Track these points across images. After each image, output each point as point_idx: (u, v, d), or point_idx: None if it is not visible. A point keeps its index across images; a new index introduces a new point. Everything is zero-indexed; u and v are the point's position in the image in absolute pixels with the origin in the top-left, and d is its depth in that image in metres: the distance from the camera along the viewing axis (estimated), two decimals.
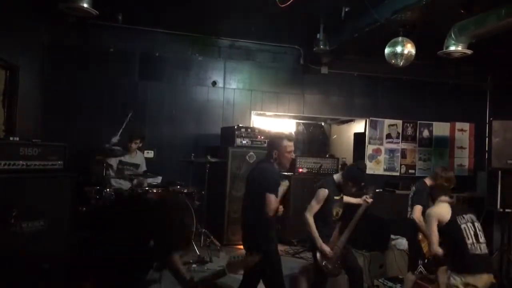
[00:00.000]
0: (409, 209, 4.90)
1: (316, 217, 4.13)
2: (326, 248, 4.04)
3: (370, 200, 4.46)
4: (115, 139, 5.44)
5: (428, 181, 4.84)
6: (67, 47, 6.26)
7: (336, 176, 4.34)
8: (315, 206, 4.15)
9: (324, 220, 4.18)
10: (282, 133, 3.87)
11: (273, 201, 3.47)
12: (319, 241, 4.06)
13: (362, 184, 4.44)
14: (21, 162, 3.76)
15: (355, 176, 4.23)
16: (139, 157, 5.86)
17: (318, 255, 4.09)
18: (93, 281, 2.21)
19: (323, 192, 4.15)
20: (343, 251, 4.17)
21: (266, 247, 3.53)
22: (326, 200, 4.15)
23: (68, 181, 4.14)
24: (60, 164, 4.11)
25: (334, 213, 4.25)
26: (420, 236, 4.61)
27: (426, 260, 4.62)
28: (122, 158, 5.59)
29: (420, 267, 4.67)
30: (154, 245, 2.38)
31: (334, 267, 4.10)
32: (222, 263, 4.90)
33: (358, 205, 4.48)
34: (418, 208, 4.61)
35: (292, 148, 3.71)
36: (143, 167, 5.83)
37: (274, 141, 3.72)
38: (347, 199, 4.51)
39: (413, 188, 4.97)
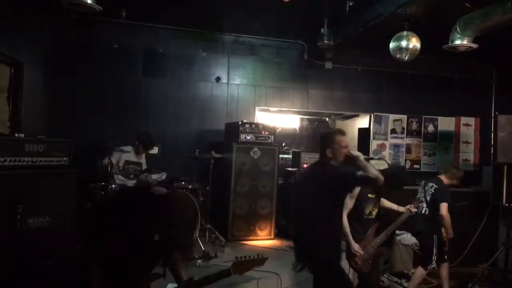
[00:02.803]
0: (424, 204, 5.02)
1: (349, 214, 4.14)
2: (355, 245, 4.03)
3: (414, 210, 4.50)
4: (127, 149, 5.53)
5: (444, 179, 5.04)
6: (71, 44, 6.26)
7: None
8: (348, 202, 4.14)
9: (356, 216, 4.19)
10: (332, 129, 3.77)
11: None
12: (349, 238, 4.05)
13: (402, 179, 4.52)
14: (26, 158, 3.76)
15: (394, 179, 4.35)
16: (143, 156, 5.87)
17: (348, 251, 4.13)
18: (100, 272, 2.21)
19: (356, 189, 4.15)
20: (375, 252, 4.17)
21: (337, 264, 3.39)
22: (359, 196, 4.18)
23: (73, 177, 4.15)
24: (66, 160, 4.11)
25: (367, 212, 4.25)
26: (444, 233, 4.86)
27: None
28: (128, 158, 5.62)
29: (433, 263, 4.78)
30: (159, 239, 2.37)
31: (363, 265, 4.07)
32: (227, 259, 4.96)
33: (399, 212, 4.52)
34: (445, 206, 4.83)
35: (347, 143, 3.48)
36: (144, 166, 5.85)
37: (326, 139, 3.46)
38: (389, 204, 4.56)
39: (432, 185, 5.08)
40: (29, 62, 5.27)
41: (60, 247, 3.81)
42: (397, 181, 4.34)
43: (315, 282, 3.43)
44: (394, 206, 4.59)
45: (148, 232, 2.35)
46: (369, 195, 4.24)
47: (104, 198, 4.89)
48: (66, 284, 3.51)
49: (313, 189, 3.37)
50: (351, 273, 4.25)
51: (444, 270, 4.97)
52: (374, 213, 4.30)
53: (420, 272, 4.98)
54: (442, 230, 4.92)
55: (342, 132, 3.53)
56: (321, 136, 3.59)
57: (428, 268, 4.87)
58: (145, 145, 5.63)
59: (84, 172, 4.57)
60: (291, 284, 4.67)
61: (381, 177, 3.21)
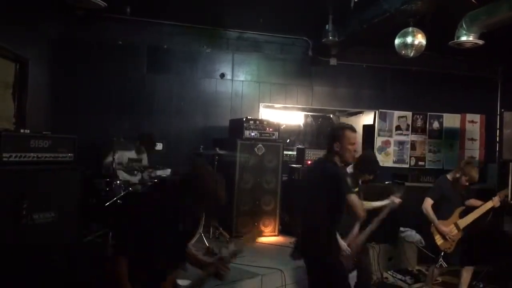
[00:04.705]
0: None
1: None
2: (342, 244, 3.83)
3: (398, 201, 4.25)
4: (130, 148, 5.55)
5: (449, 176, 4.87)
6: (76, 40, 6.27)
7: (349, 168, 4.19)
8: None
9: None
10: (343, 124, 3.69)
11: (356, 201, 3.42)
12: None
13: (377, 172, 4.36)
14: (31, 154, 3.79)
15: (368, 165, 4.22)
16: (144, 154, 5.88)
17: None
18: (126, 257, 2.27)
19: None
20: (360, 249, 4.02)
21: (330, 258, 3.33)
22: None
23: (78, 173, 4.18)
24: (70, 156, 4.14)
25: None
26: (432, 228, 4.66)
27: (442, 253, 4.63)
28: (131, 156, 5.64)
29: (441, 261, 4.62)
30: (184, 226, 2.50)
31: (348, 263, 3.86)
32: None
33: (381, 207, 4.28)
34: (427, 200, 4.71)
35: (356, 140, 3.39)
36: (145, 162, 5.86)
37: (335, 133, 3.41)
38: (369, 204, 4.28)
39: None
40: (34, 59, 5.29)
41: (65, 243, 3.84)
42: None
43: (308, 277, 3.46)
44: (375, 204, 4.33)
45: (173, 224, 2.46)
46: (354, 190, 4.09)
47: (126, 202, 4.84)
48: (70, 280, 3.53)
49: (312, 185, 3.40)
50: None
51: (464, 272, 4.74)
52: None
53: (433, 270, 4.86)
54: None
55: (353, 129, 3.45)
56: (330, 128, 3.56)
57: (436, 266, 4.74)
58: (148, 146, 5.65)
59: (89, 168, 4.60)
60: (295, 280, 4.67)
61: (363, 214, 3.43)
